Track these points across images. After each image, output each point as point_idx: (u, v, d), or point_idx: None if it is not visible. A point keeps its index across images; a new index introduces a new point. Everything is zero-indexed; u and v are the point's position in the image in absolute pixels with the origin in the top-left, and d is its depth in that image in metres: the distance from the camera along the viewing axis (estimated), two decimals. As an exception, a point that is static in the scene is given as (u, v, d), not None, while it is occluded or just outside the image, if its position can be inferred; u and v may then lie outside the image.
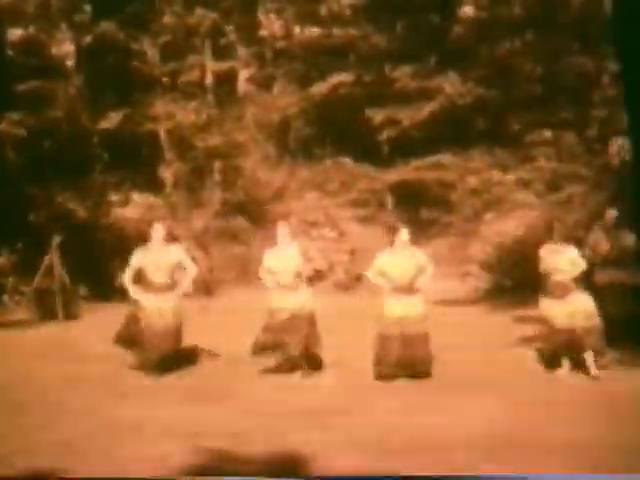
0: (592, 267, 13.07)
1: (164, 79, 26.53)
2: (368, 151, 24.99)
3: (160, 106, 24.57)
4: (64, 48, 26.38)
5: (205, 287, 20.40)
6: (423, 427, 8.35)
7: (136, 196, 23.07)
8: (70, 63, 26.31)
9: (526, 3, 23.71)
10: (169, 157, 24.97)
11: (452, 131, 23.64)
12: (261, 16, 28.28)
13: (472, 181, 22.30)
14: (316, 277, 21.95)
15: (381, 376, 10.16)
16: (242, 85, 27.64)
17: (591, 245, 13.21)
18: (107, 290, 18.19)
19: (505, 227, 19.98)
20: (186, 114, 24.73)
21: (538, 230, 18.84)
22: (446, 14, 25.46)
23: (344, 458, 7.34)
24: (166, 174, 24.69)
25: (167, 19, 26.05)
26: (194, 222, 22.82)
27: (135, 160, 23.87)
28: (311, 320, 10.75)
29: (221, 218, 23.28)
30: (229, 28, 27.05)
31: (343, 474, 6.98)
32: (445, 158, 23.53)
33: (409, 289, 10.33)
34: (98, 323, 14.95)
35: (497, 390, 9.89)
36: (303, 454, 7.41)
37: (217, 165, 24.94)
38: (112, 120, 23.82)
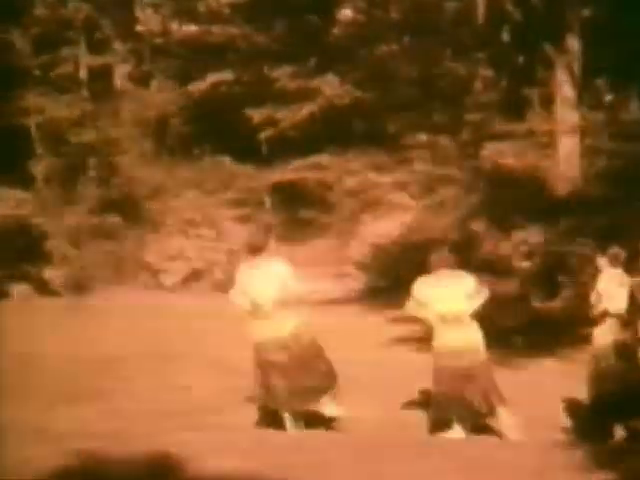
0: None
1: (35, 72, 25.82)
2: (247, 150, 24.88)
3: (31, 99, 23.90)
4: None
5: (77, 285, 19.98)
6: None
7: (4, 191, 22.30)
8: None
9: (403, 8, 24.05)
10: (40, 152, 24.32)
11: (330, 132, 23.76)
12: (138, 11, 27.84)
13: (350, 182, 22.48)
14: (193, 277, 21.78)
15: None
16: (118, 81, 27.15)
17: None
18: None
19: (381, 228, 20.24)
20: (58, 108, 24.12)
21: (413, 232, 19.19)
22: (325, 16, 25.59)
23: (219, 459, 7.30)
24: (37, 169, 24.02)
25: (39, 10, 25.36)
26: (66, 219, 22.29)
27: (4, 154, 23.14)
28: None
29: (95, 215, 22.81)
30: (105, 22, 26.54)
31: (218, 475, 6.94)
32: (323, 159, 23.63)
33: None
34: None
35: (372, 390, 9.99)
36: (178, 455, 7.34)
37: (92, 161, 24.43)
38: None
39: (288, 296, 8.52)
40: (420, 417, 8.94)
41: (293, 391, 8.42)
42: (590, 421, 8.87)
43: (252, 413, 8.78)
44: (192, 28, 27.22)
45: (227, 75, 25.84)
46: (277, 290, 8.42)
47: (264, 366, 8.48)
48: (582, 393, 9.01)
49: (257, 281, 8.47)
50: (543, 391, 10.26)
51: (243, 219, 23.14)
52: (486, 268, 13.48)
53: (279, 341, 8.44)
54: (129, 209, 23.12)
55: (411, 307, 8.79)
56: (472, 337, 8.52)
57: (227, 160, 25.00)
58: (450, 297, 8.55)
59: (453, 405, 8.41)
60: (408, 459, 7.54)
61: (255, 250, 8.65)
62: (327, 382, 8.58)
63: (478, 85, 22.83)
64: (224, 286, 20.57)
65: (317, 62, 24.74)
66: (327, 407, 8.53)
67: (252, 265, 8.61)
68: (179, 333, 14.30)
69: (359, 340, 13.47)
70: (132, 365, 11.46)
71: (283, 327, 8.49)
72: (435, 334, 8.63)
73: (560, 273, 15.72)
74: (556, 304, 15.32)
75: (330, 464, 7.26)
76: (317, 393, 8.50)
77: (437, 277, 8.71)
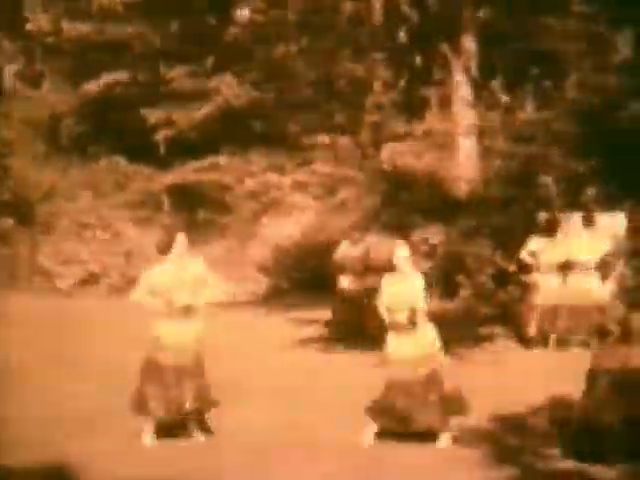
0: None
1: None
2: (144, 151, 24.50)
3: None
4: None
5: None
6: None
7: None
8: None
9: (300, 8, 23.99)
10: None
11: (229, 133, 23.58)
12: (27, 10, 27.09)
13: (249, 183, 22.34)
14: (89, 280, 21.31)
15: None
16: (8, 81, 26.41)
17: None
18: None
19: (282, 230, 20.15)
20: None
21: (314, 233, 19.16)
22: (222, 15, 25.36)
23: (112, 466, 7.16)
24: None
25: None
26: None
27: None
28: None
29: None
30: (-9, 21, 25.81)
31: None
32: (222, 160, 23.44)
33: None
34: None
35: (274, 392, 9.92)
36: (71, 463, 7.16)
37: (-18, 164, 23.71)
38: None
39: (207, 296, 8.36)
40: (317, 419, 8.90)
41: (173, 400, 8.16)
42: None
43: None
44: (85, 27, 26.62)
45: (122, 75, 25.41)
46: (194, 290, 8.23)
47: (158, 369, 8.18)
48: (481, 394, 9.06)
49: (172, 280, 8.22)
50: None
51: (140, 221, 22.78)
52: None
53: (183, 345, 8.20)
54: (22, 212, 22.53)
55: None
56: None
57: (123, 161, 24.57)
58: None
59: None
60: (297, 462, 7.54)
61: (164, 249, 8.44)
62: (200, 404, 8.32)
63: (377, 86, 22.93)
64: (122, 289, 20.30)
65: (214, 62, 24.54)
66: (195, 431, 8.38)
67: (165, 264, 8.38)
68: (72, 337, 13.95)
69: (261, 342, 13.38)
70: (23, 371, 11.12)
71: (191, 330, 8.27)
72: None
73: (458, 273, 15.87)
74: (455, 304, 15.48)
75: (222, 468, 7.20)
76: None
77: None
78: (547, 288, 12.93)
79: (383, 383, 8.31)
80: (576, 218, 13.15)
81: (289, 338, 13.54)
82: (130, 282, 20.34)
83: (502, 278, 15.07)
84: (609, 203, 14.83)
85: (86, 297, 20.02)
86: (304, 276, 18.54)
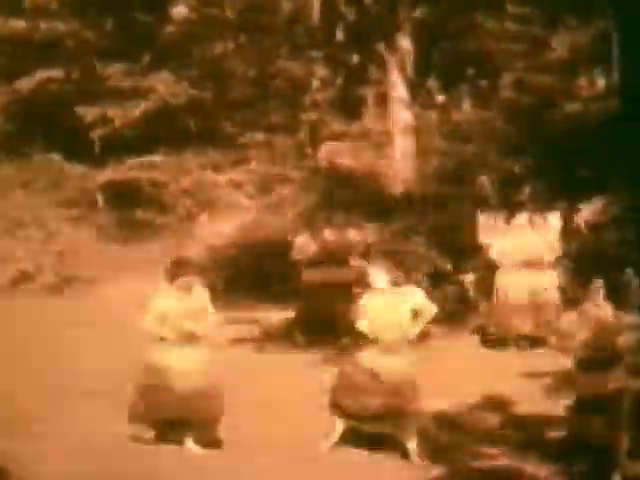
0: (301, 267, 13.47)
1: None
2: (79, 149, 24.17)
3: None
4: None
5: None
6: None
7: None
8: None
9: (238, 6, 23.91)
10: None
11: (165, 131, 23.37)
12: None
13: (186, 182, 22.16)
14: (22, 279, 20.94)
15: None
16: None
17: (298, 247, 13.66)
18: None
19: (218, 228, 20.03)
20: None
21: (251, 232, 19.07)
22: (158, 13, 25.14)
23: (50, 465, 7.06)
24: None
25: None
26: None
27: None
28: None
29: None
30: None
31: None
32: (158, 158, 23.21)
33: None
34: None
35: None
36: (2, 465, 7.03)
37: None
38: None
39: (208, 326, 8.39)
40: (253, 420, 8.88)
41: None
42: None
43: (78, 421, 8.55)
44: (18, 23, 26.16)
45: (57, 72, 25.04)
46: (199, 316, 8.28)
47: (153, 391, 8.15)
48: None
49: (179, 308, 8.25)
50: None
51: (75, 220, 22.48)
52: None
53: (184, 371, 8.17)
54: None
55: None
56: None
57: (58, 159, 24.21)
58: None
59: None
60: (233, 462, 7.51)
61: (173, 276, 8.47)
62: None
63: (314, 84, 22.94)
64: (56, 288, 19.99)
65: (150, 60, 24.28)
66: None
67: (171, 291, 8.40)
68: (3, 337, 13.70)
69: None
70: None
71: (194, 358, 8.26)
72: None
73: (396, 270, 15.88)
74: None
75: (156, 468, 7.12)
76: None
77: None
78: (504, 286, 12.83)
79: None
80: (524, 217, 13.16)
81: (224, 337, 13.42)
82: (65, 281, 20.09)
83: (439, 277, 15.13)
84: (544, 203, 14.96)
85: (20, 296, 19.68)
86: (241, 275, 18.45)
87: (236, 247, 19.19)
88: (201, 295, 8.45)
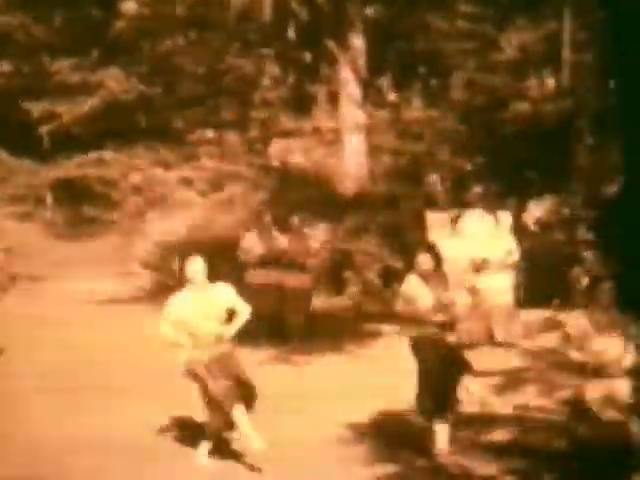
0: (245, 267, 13.36)
1: None
2: (27, 145, 23.85)
3: None
4: None
5: None
6: (86, 428, 8.10)
7: None
8: None
9: (188, 2, 23.75)
10: None
11: (115, 127, 23.13)
12: None
13: (135, 178, 21.95)
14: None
15: None
16: None
17: (245, 247, 13.52)
18: None
19: (168, 226, 19.85)
20: None
21: (200, 229, 18.93)
22: (108, 8, 24.88)
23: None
24: None
25: None
26: None
27: None
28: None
29: None
30: None
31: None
32: (107, 154, 22.97)
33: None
34: None
35: (156, 392, 9.78)
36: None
37: None
38: None
39: (237, 324, 7.81)
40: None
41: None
42: None
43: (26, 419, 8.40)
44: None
45: (5, 66, 24.74)
46: (221, 318, 7.73)
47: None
48: (365, 391, 9.08)
49: (193, 312, 7.69)
50: (328, 387, 10.28)
51: (22, 216, 22.18)
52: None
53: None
54: None
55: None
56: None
57: (4, 155, 23.86)
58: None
59: None
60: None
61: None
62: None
63: (265, 82, 22.84)
64: (2, 285, 19.66)
65: (100, 55, 24.03)
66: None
67: (184, 293, 7.84)
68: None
69: (147, 340, 13.11)
70: None
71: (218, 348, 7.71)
72: None
73: (346, 270, 15.90)
74: (342, 300, 15.49)
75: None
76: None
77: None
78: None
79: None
80: (474, 216, 13.12)
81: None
82: (11, 279, 19.77)
83: (389, 275, 15.15)
84: (495, 202, 15.04)
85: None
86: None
87: (186, 245, 19.03)
88: (223, 294, 7.85)
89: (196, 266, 7.82)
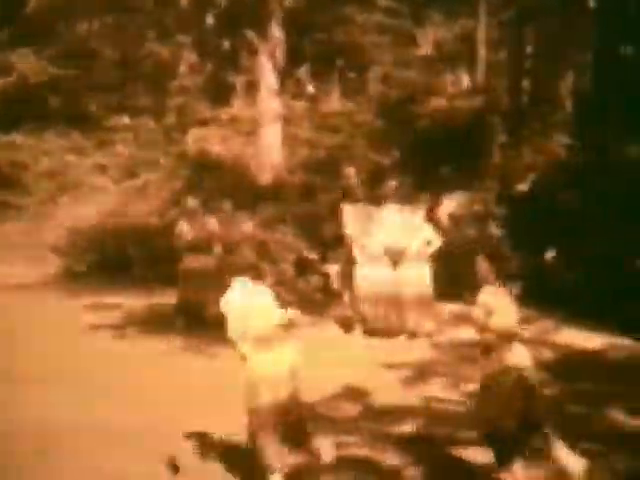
0: (181, 253, 13.29)
1: None
2: None
3: None
4: None
5: None
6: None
7: None
8: None
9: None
10: None
11: (26, 110, 22.64)
12: None
13: (46, 163, 21.55)
14: None
15: None
16: None
17: (177, 233, 13.46)
18: None
19: (80, 212, 19.57)
20: None
21: (113, 216, 18.71)
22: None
23: None
24: None
25: None
26: None
27: None
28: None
29: None
30: None
31: None
32: (18, 138, 22.48)
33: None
34: None
35: (73, 379, 9.69)
36: None
37: None
38: None
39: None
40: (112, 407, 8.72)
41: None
42: None
43: None
44: None
45: None
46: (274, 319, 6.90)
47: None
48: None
49: (257, 307, 6.90)
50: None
51: None
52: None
53: (278, 377, 6.91)
54: None
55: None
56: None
57: None
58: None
59: None
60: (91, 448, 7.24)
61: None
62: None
63: (183, 69, 22.64)
64: None
65: (10, 35, 23.48)
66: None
67: (248, 287, 6.98)
68: None
69: (56, 326, 12.93)
70: None
71: (283, 360, 6.99)
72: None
73: (262, 260, 15.87)
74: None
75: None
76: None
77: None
78: (367, 277, 12.77)
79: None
80: (392, 208, 13.19)
81: (84, 323, 13.15)
82: None
83: (304, 266, 15.19)
84: (410, 195, 15.18)
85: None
86: (104, 260, 18.11)
87: (99, 231, 18.81)
88: (264, 296, 7.06)
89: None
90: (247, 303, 6.94)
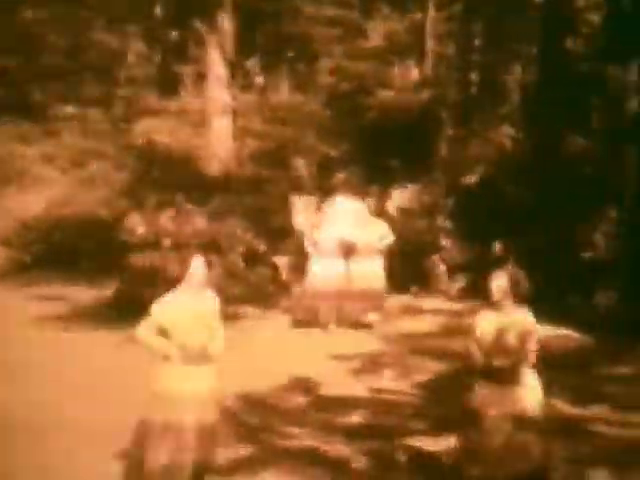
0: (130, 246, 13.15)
1: None
2: None
3: None
4: None
5: None
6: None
7: None
8: None
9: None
10: None
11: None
12: None
13: (-8, 152, 21.22)
14: None
15: None
16: None
17: (129, 228, 13.31)
18: None
19: (26, 202, 19.31)
20: None
21: (60, 206, 18.50)
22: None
23: None
24: None
25: None
26: None
27: None
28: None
29: None
30: None
31: None
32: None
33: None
34: None
35: (11, 371, 9.60)
36: None
37: None
38: None
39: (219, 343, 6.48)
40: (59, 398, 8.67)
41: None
42: None
43: None
44: None
45: None
46: (209, 330, 6.38)
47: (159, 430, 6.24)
48: (225, 373, 9.06)
49: (187, 317, 6.33)
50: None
51: None
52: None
53: (196, 398, 6.34)
54: None
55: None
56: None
57: None
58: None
59: None
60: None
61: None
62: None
63: (131, 59, 22.43)
64: None
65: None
66: None
67: (177, 294, 6.41)
68: None
69: (1, 318, 12.79)
70: None
71: (204, 379, 6.43)
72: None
73: (211, 252, 15.81)
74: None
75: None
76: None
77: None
78: (318, 272, 12.69)
79: None
80: (342, 200, 13.15)
81: (30, 315, 13.01)
82: None
83: (253, 258, 15.16)
84: (359, 187, 15.22)
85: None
86: (50, 251, 17.89)
87: (44, 222, 18.58)
88: (213, 299, 6.55)
89: (198, 264, 6.40)
90: (180, 317, 6.31)
